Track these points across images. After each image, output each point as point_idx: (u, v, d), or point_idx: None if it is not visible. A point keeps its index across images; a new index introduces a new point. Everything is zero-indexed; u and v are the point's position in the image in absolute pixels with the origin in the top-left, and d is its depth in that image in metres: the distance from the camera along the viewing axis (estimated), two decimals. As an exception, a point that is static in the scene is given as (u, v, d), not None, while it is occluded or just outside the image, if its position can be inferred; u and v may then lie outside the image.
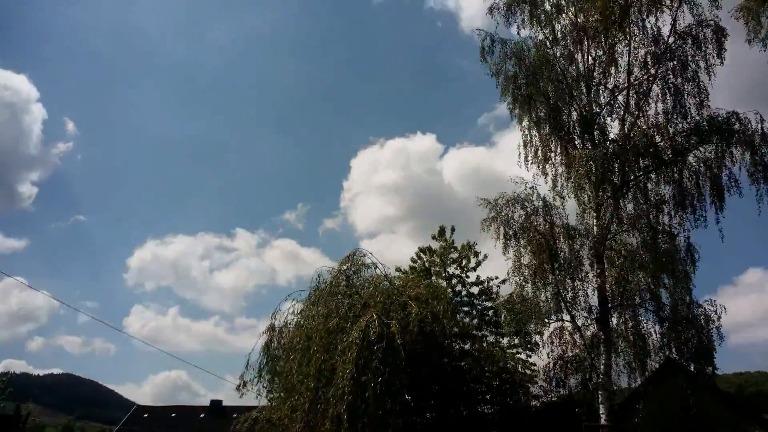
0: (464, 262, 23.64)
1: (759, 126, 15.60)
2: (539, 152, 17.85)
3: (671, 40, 16.78)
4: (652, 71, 16.93)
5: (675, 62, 16.68)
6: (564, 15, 17.70)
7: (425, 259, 24.18)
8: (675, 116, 16.55)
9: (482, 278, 23.39)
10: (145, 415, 50.08)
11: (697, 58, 16.42)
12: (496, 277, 23.01)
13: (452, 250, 23.92)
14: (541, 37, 18.07)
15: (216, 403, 49.27)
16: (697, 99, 16.38)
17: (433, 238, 24.64)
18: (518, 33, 18.37)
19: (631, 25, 16.89)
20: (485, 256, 23.46)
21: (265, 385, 17.42)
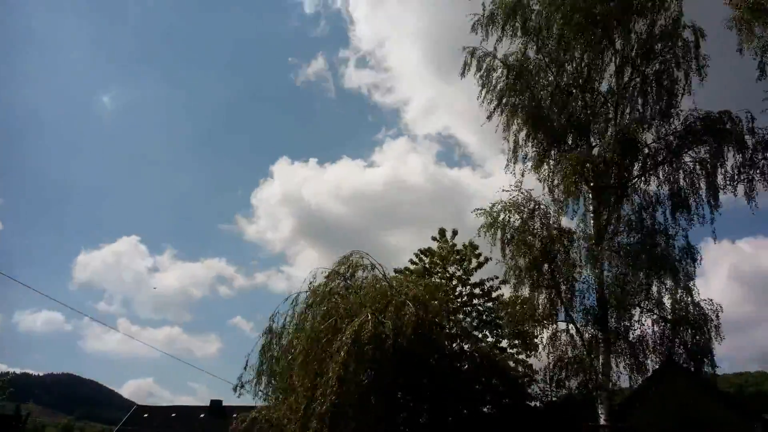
0: (465, 263, 23.62)
1: (750, 125, 15.70)
2: (531, 157, 17.86)
3: (655, 42, 17.02)
4: (642, 70, 17.13)
5: (660, 64, 16.91)
6: (552, 22, 17.70)
7: (425, 261, 24.15)
8: (665, 117, 16.68)
9: (482, 278, 23.38)
10: (145, 415, 50.13)
11: (687, 56, 16.65)
12: (496, 277, 23.00)
13: (453, 252, 23.89)
14: (528, 44, 18.11)
15: (216, 403, 49.26)
16: (687, 97, 16.64)
17: (434, 239, 24.64)
18: (495, 46, 18.36)
19: (618, 29, 17.08)
20: (486, 259, 23.41)
21: (262, 387, 17.47)
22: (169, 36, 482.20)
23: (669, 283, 15.96)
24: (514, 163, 17.91)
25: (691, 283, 15.92)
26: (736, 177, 15.56)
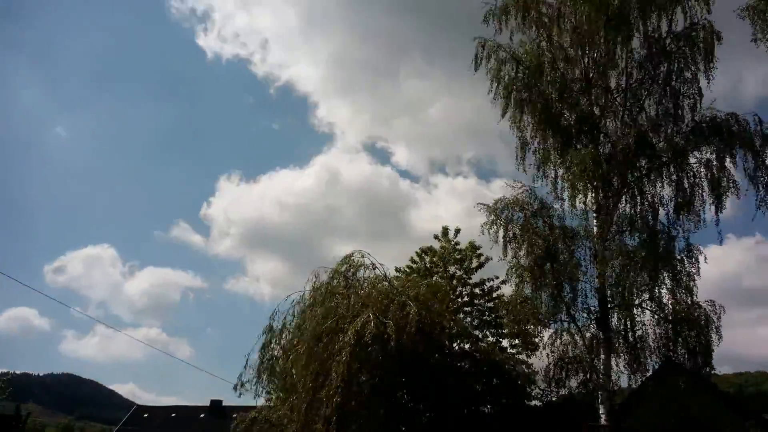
0: (466, 263, 23.63)
1: (757, 128, 15.68)
2: (538, 154, 17.82)
3: (668, 41, 16.88)
4: (651, 72, 16.99)
5: (672, 64, 16.74)
6: (562, 18, 17.63)
7: (426, 260, 24.15)
8: (673, 117, 16.64)
9: (483, 278, 23.37)
10: (145, 415, 50.16)
11: (696, 59, 16.49)
12: (497, 277, 23.01)
13: (455, 251, 23.89)
14: (538, 39, 17.99)
15: (216, 403, 49.23)
16: (692, 100, 16.48)
17: (436, 238, 24.63)
18: (510, 39, 18.13)
19: (629, 27, 16.87)
20: (487, 258, 23.41)
21: (263, 386, 17.47)
22: (110, 66, 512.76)
23: (670, 283, 15.98)
24: (523, 160, 17.86)
25: (692, 283, 15.93)
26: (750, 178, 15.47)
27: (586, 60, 17.65)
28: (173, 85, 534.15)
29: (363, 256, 17.68)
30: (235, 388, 18.00)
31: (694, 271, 15.88)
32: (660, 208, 16.46)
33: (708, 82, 16.45)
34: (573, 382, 17.53)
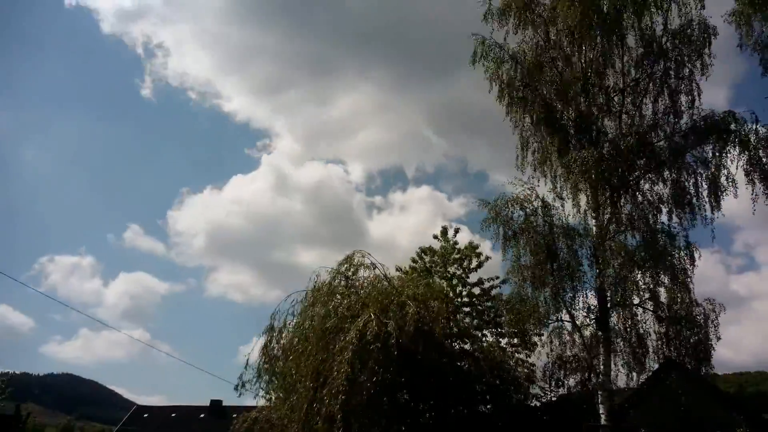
0: (465, 262, 23.62)
1: (754, 126, 15.73)
2: (537, 154, 17.85)
3: (664, 39, 16.95)
4: (648, 71, 17.08)
5: (668, 62, 16.83)
6: (559, 18, 17.66)
7: (426, 260, 24.15)
8: (671, 116, 16.70)
9: (482, 278, 23.37)
10: (145, 415, 50.18)
11: (692, 57, 16.62)
12: (497, 277, 23.03)
13: (455, 251, 23.89)
14: (536, 39, 18.03)
15: (216, 403, 49.24)
16: (690, 98, 16.58)
17: (435, 238, 24.64)
18: (505, 37, 18.18)
19: (625, 26, 16.99)
20: (487, 258, 23.43)
21: (263, 386, 17.46)
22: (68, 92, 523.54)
23: (668, 282, 16.00)
24: (523, 159, 17.91)
25: (690, 281, 15.96)
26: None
27: (583, 59, 17.72)
28: (126, 107, 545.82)
29: (363, 256, 17.74)
30: (236, 388, 17.98)
31: (690, 269, 15.94)
32: (660, 207, 16.52)
33: (705, 78, 16.64)
34: (572, 382, 17.59)
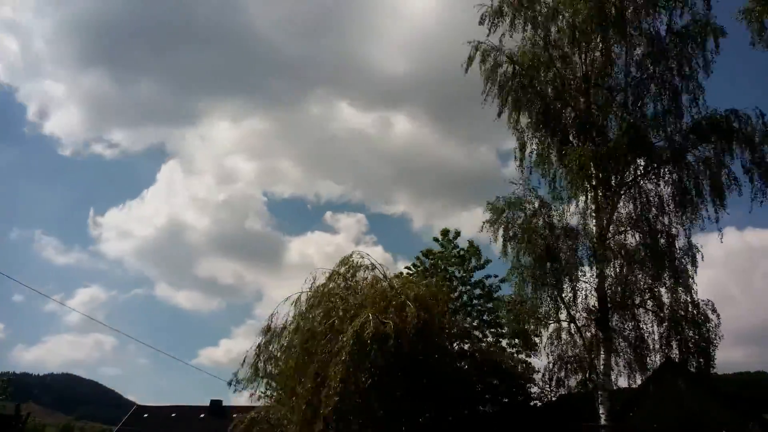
0: (466, 263, 23.61)
1: (759, 122, 15.65)
2: (537, 154, 17.80)
3: (668, 39, 16.87)
4: (650, 70, 17.00)
5: (672, 62, 16.76)
6: (560, 16, 17.58)
7: (427, 262, 24.15)
8: (672, 116, 16.61)
9: (482, 278, 23.36)
10: (145, 415, 50.08)
11: (696, 56, 16.56)
12: (496, 276, 23.02)
13: (455, 251, 23.87)
14: (535, 39, 17.95)
15: (216, 403, 49.17)
16: (693, 97, 16.58)
17: (435, 240, 24.69)
18: (500, 40, 18.05)
19: (628, 26, 16.88)
20: (487, 260, 23.41)
21: (261, 386, 17.50)
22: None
23: (669, 282, 15.97)
24: (521, 160, 17.85)
25: (691, 282, 15.93)
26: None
27: (584, 59, 17.64)
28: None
29: (362, 257, 17.73)
30: (229, 384, 18.12)
31: (692, 270, 15.91)
32: (660, 206, 16.46)
33: (707, 77, 16.61)
34: (572, 382, 17.56)
